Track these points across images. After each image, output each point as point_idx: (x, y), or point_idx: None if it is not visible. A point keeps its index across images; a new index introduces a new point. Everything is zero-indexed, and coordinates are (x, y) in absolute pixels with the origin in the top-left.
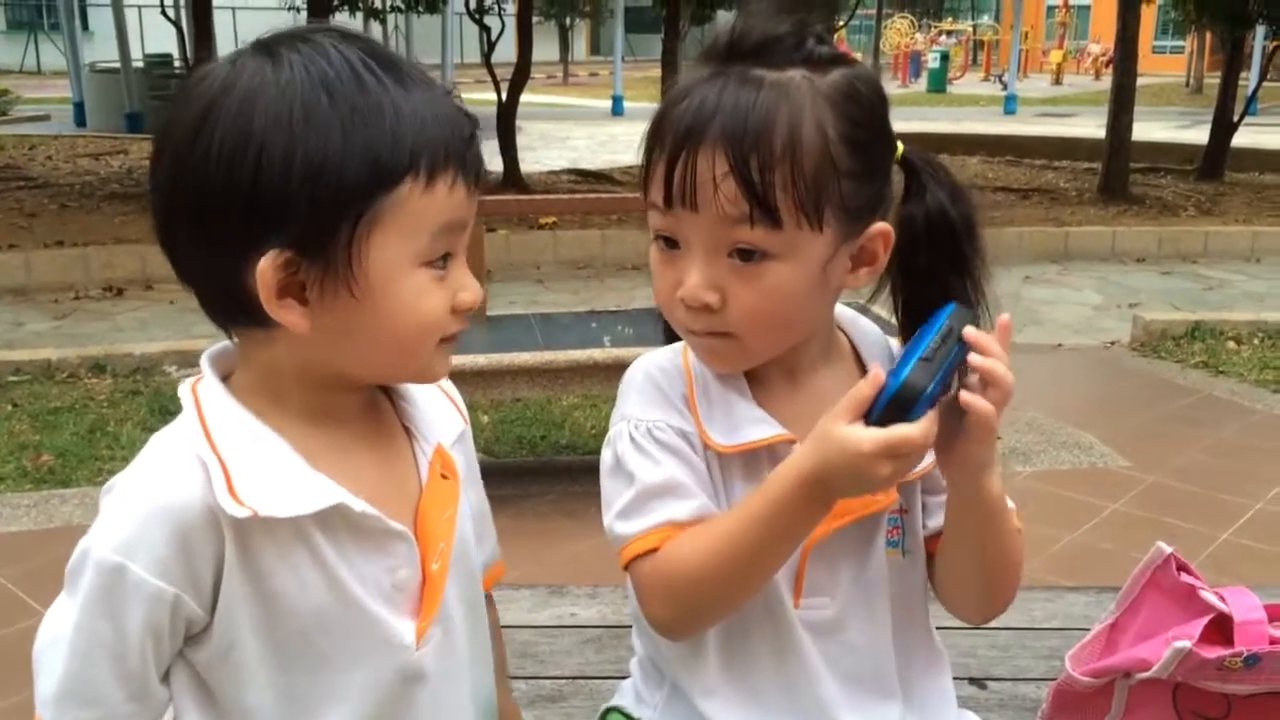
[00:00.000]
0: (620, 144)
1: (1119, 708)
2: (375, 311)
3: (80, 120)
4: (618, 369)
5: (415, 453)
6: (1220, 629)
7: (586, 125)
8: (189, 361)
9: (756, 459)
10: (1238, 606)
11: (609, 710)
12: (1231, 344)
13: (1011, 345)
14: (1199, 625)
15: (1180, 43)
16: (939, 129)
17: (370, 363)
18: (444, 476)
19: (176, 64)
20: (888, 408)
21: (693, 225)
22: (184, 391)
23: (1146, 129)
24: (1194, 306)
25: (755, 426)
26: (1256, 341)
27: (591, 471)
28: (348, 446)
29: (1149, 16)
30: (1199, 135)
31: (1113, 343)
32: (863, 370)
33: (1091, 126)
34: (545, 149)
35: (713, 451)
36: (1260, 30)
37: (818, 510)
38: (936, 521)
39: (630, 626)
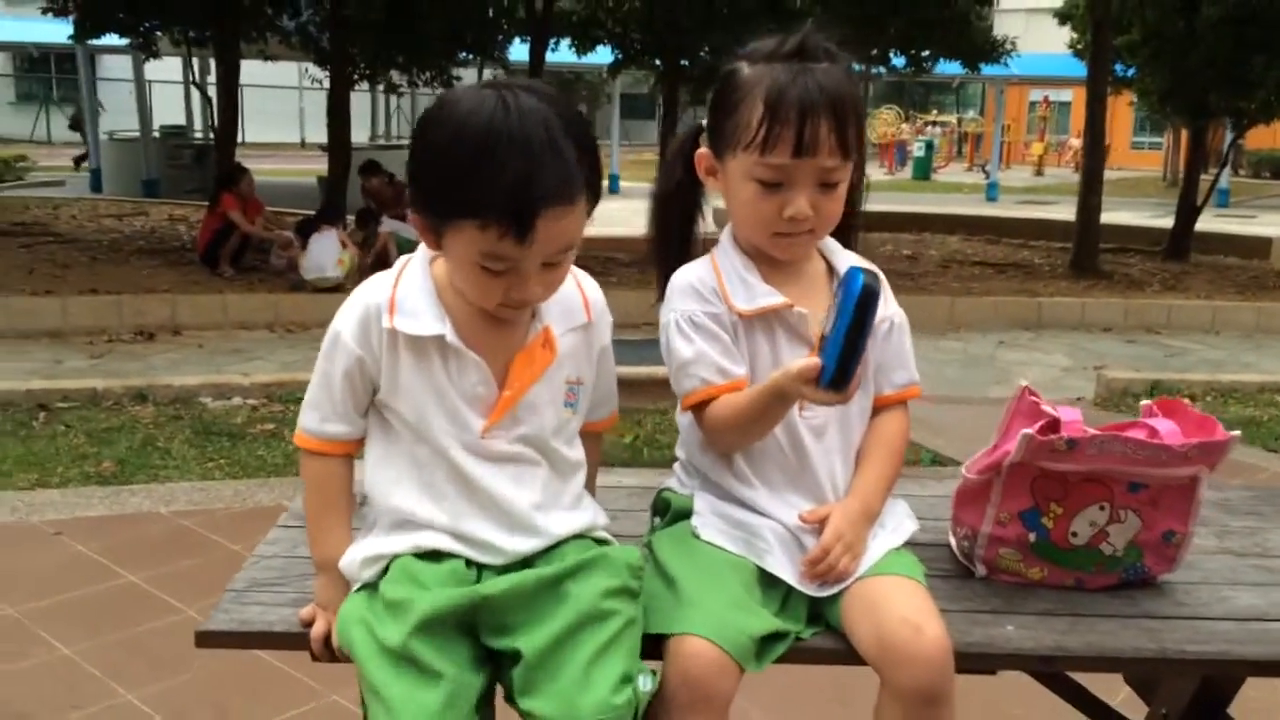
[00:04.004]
0: (616, 219)
1: (997, 496)
2: (450, 264)
3: (96, 186)
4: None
5: (530, 325)
6: (1056, 429)
7: None
8: (223, 394)
9: (768, 320)
10: (1064, 413)
11: (662, 490)
12: (1187, 400)
13: (986, 400)
14: (1039, 424)
15: (1159, 139)
16: (922, 210)
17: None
18: (543, 346)
19: (197, 134)
20: None
21: (805, 168)
22: (402, 258)
23: (1121, 216)
24: (1156, 370)
25: (768, 297)
26: (1209, 398)
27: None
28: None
29: (1128, 114)
30: (1170, 222)
31: (1079, 399)
32: (828, 266)
33: (1069, 212)
34: None
35: (739, 317)
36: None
37: (780, 399)
38: (880, 386)
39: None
